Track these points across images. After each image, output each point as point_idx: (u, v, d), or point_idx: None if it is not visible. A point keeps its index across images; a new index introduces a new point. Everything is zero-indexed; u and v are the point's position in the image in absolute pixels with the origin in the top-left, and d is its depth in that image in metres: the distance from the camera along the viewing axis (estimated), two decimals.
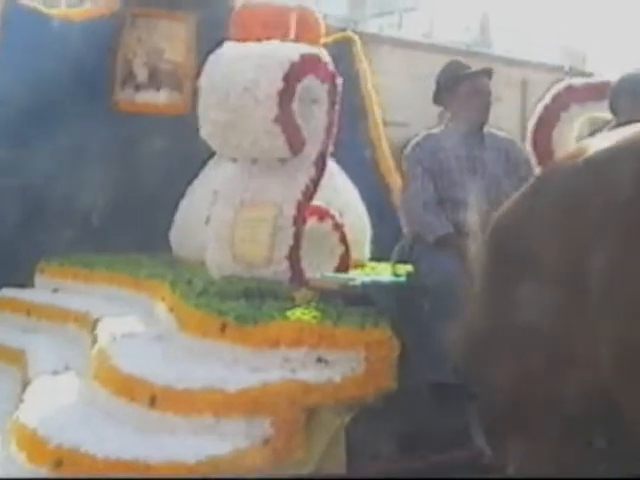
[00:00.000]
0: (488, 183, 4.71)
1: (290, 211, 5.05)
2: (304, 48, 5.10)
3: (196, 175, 7.16)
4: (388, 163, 7.83)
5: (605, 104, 5.94)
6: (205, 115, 5.02)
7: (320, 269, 5.20)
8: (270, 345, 4.31)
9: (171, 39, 8.04)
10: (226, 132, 4.99)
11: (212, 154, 6.34)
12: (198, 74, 6.33)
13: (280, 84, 4.86)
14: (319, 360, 4.25)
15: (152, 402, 4.21)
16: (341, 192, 6.51)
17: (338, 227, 5.34)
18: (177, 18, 7.96)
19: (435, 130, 4.97)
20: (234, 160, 5.22)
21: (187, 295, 4.99)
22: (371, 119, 7.92)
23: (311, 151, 5.13)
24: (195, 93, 6.78)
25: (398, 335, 4.32)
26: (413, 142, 4.90)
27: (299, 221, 5.06)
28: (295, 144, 4.98)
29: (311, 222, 5.16)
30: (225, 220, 5.14)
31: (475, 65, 5.05)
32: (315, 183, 5.17)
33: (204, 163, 6.99)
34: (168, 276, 5.65)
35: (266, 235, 5.02)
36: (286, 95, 4.89)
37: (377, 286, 4.46)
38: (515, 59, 22.85)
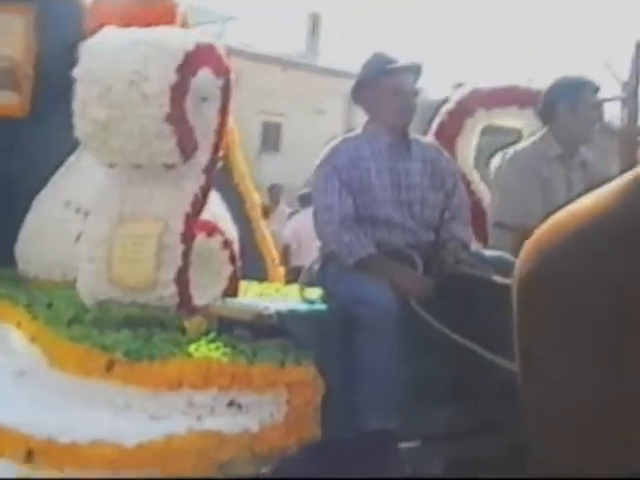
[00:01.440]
0: (412, 198, 4.19)
1: (177, 226, 4.35)
2: (198, 36, 4.40)
3: (40, 185, 6.29)
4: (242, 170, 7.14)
5: (512, 110, 5.53)
6: (82, 113, 4.25)
7: (206, 292, 4.51)
8: (170, 387, 3.62)
9: (7, 34, 7.08)
10: (107, 132, 4.24)
11: (61, 160, 5.60)
12: (39, 73, 5.56)
13: (173, 77, 4.16)
14: (231, 404, 3.59)
15: (28, 458, 3.44)
16: (210, 204, 5.81)
17: (228, 244, 4.66)
18: (14, 10, 7.01)
19: (353, 134, 4.37)
20: (111, 166, 4.45)
21: (54, 323, 4.23)
22: None
23: (201, 156, 4.44)
24: (35, 94, 6.05)
25: (322, 374, 3.69)
26: (330, 146, 4.28)
27: (188, 238, 4.36)
28: (187, 148, 4.29)
29: (198, 238, 4.45)
30: (100, 237, 4.38)
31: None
32: (205, 193, 4.50)
33: (50, 171, 6.15)
34: (20, 297, 4.83)
35: (150, 254, 4.30)
36: (179, 90, 4.19)
37: (296, 316, 3.81)
38: (341, 70, 22.64)
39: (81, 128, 4.31)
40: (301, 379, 3.64)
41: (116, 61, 4.22)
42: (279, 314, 3.78)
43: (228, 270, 4.69)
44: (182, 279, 4.35)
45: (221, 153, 4.61)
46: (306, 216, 9.71)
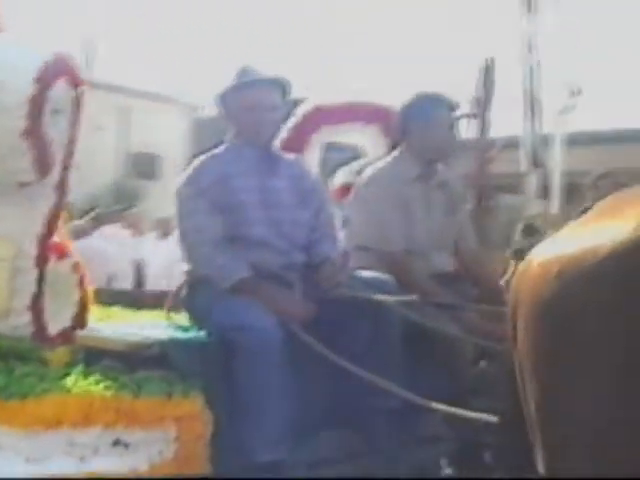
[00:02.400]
0: (282, 217, 4.06)
1: (31, 249, 4.01)
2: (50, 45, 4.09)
3: None
4: None
5: (357, 126, 5.49)
6: None
7: (55, 319, 4.19)
8: (47, 426, 3.29)
9: None
10: None
11: None
12: None
13: (31, 88, 3.83)
14: (117, 443, 3.33)
15: None
16: None
17: (78, 268, 4.34)
18: None
19: (218, 150, 4.19)
20: None
21: None
22: None
23: (53, 173, 4.11)
24: None
25: (210, 406, 3.49)
26: (194, 165, 4.09)
27: (42, 261, 4.03)
28: (44, 165, 3.96)
29: (49, 262, 4.12)
30: None
31: None
32: (58, 213, 4.17)
33: None
34: None
35: (3, 280, 3.93)
36: (37, 103, 3.86)
37: (178, 345, 3.59)
38: (117, 86, 22.17)
39: None
40: (190, 412, 3.44)
41: None
42: (161, 343, 3.55)
43: (77, 295, 4.37)
44: (37, 306, 4.02)
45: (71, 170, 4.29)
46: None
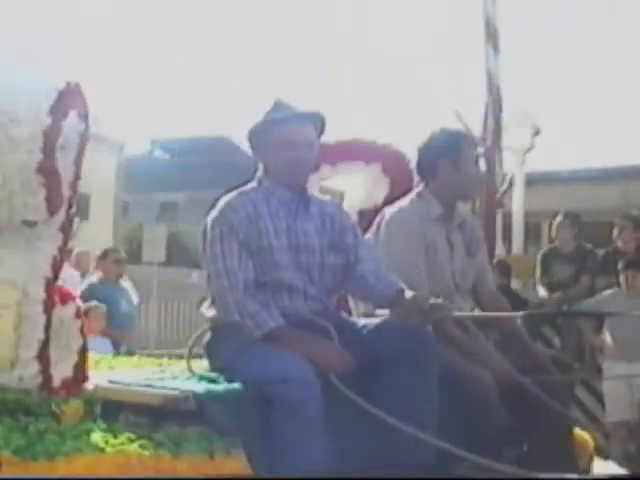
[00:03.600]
0: (312, 262, 3.85)
1: (38, 293, 3.71)
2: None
3: None
4: None
5: (357, 165, 5.28)
6: None
7: (56, 369, 3.88)
8: None
9: None
10: None
11: None
12: None
13: (46, 120, 3.55)
14: None
15: None
16: None
17: (80, 314, 4.03)
18: None
19: (247, 188, 3.95)
20: None
21: None
22: None
23: (60, 212, 3.83)
24: None
25: (251, 464, 3.23)
26: (224, 202, 3.84)
27: (49, 307, 3.73)
28: (55, 203, 3.69)
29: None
30: None
31: None
32: (62, 254, 3.88)
33: None
34: None
35: (8, 328, 3.63)
36: (51, 136, 3.58)
37: (215, 398, 3.30)
38: None
39: None
40: (233, 472, 3.15)
41: None
42: (197, 396, 3.27)
43: (79, 343, 4.07)
44: (44, 356, 3.72)
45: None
46: None
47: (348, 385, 3.48)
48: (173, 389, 3.37)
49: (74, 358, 4.00)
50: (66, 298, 3.98)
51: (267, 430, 3.33)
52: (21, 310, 3.66)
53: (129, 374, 4.22)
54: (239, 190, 3.92)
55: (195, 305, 16.93)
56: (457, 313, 3.95)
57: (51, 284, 3.79)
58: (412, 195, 4.49)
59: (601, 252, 8.85)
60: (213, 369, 3.72)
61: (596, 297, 7.77)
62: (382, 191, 5.23)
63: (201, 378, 3.60)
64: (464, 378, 3.85)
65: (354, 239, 4.00)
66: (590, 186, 9.87)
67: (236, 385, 3.42)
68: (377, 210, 5.20)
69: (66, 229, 3.91)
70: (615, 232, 8.61)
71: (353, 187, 5.07)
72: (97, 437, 3.17)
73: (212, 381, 3.52)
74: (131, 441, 3.13)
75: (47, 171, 3.60)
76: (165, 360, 5.59)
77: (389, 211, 4.42)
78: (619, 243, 8.42)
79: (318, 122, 3.98)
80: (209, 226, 3.79)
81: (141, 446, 3.11)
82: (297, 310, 3.74)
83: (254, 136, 3.94)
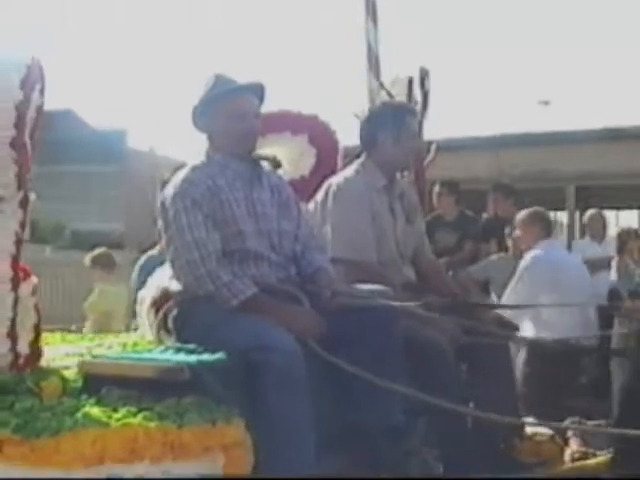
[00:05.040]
0: (270, 228, 3.91)
1: (6, 271, 3.65)
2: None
3: None
4: None
5: (285, 136, 5.36)
6: None
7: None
8: (88, 463, 3.01)
9: None
10: None
11: None
12: None
13: (18, 94, 3.49)
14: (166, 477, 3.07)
15: None
16: None
17: (36, 291, 3.99)
18: None
19: (200, 163, 3.98)
20: None
21: None
22: None
23: None
24: None
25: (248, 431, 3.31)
26: (181, 178, 3.86)
27: (16, 284, 3.69)
28: (24, 178, 3.63)
29: None
30: None
31: None
32: (23, 230, 3.82)
33: None
34: None
35: None
36: (23, 110, 3.53)
37: (207, 368, 3.35)
38: None
39: None
40: (235, 439, 3.22)
41: None
42: (191, 367, 3.31)
43: (33, 319, 4.02)
44: (13, 334, 3.67)
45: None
46: None
47: (331, 350, 3.59)
48: (165, 361, 3.39)
49: (31, 335, 3.96)
50: (24, 275, 3.93)
51: (256, 397, 3.40)
52: None
53: (89, 348, 4.22)
54: (191, 166, 3.95)
55: (50, 281, 16.64)
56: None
57: (16, 261, 3.73)
58: (356, 166, 4.61)
59: (482, 219, 9.18)
60: (184, 341, 3.74)
61: (483, 262, 8.07)
62: (309, 161, 5.32)
63: (179, 350, 3.62)
64: (422, 341, 4.01)
65: (298, 212, 4.11)
66: (464, 154, 10.18)
67: (222, 355, 3.46)
68: (304, 180, 5.31)
69: (25, 205, 3.85)
70: (490, 202, 8.95)
71: (280, 158, 5.14)
72: (96, 411, 3.16)
73: (193, 352, 3.54)
74: (133, 414, 3.14)
75: (19, 146, 3.54)
76: (91, 335, 5.57)
77: (335, 181, 4.52)
78: (499, 212, 8.75)
79: (259, 93, 4.05)
80: (169, 202, 3.81)
81: (145, 418, 3.12)
82: (264, 277, 3.82)
83: (200, 110, 3.98)
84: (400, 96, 5.97)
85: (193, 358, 3.40)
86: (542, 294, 6.47)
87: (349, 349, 3.66)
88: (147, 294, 4.65)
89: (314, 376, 3.50)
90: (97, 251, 9.32)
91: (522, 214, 6.99)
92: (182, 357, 3.44)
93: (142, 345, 4.22)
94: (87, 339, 5.10)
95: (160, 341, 3.83)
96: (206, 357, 3.43)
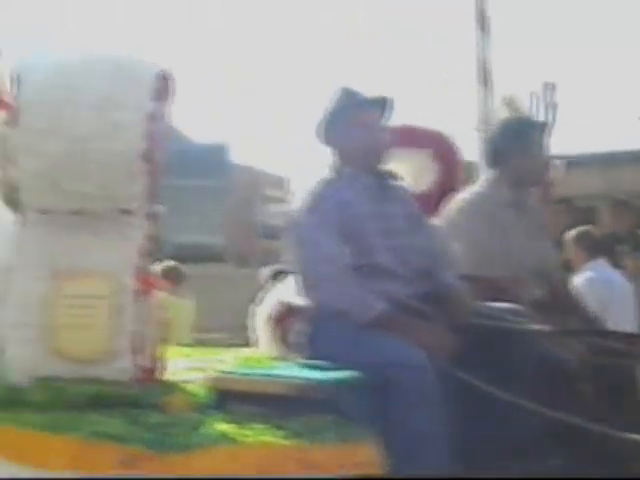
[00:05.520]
0: (399, 244, 3.82)
1: (130, 283, 3.64)
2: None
3: None
4: None
5: (411, 151, 5.25)
6: (27, 147, 3.42)
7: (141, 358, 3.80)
8: None
9: None
10: (59, 171, 3.44)
11: None
12: None
13: (150, 105, 3.48)
14: None
15: None
16: None
17: (161, 303, 3.98)
18: None
19: (329, 177, 3.92)
20: (44, 212, 3.64)
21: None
22: None
23: None
24: None
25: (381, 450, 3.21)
26: (312, 193, 3.80)
27: (140, 296, 3.66)
28: (155, 191, 3.62)
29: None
30: (33, 298, 3.55)
31: None
32: (150, 242, 3.81)
33: None
34: None
35: (103, 319, 3.56)
36: (154, 121, 3.51)
37: (343, 386, 3.27)
38: None
39: (24, 166, 3.46)
40: (368, 458, 3.12)
41: (75, 84, 3.44)
42: (323, 385, 3.24)
43: (157, 332, 4.00)
44: (137, 347, 3.65)
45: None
46: None
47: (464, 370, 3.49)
48: (297, 378, 3.32)
49: (154, 348, 3.94)
50: (150, 287, 3.91)
51: (389, 414, 3.32)
52: (115, 301, 3.58)
53: (209, 362, 4.18)
54: (321, 180, 3.90)
55: None
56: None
57: (142, 274, 3.71)
58: (484, 181, 4.50)
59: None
60: (313, 357, 3.67)
61: None
62: (430, 177, 5.22)
63: (308, 366, 3.55)
64: (553, 360, 3.88)
65: (427, 226, 4.03)
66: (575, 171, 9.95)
67: (354, 372, 3.38)
68: (425, 196, 5.20)
69: (153, 218, 3.84)
70: (605, 217, 8.69)
71: (403, 172, 5.05)
72: (228, 427, 3.10)
73: (323, 369, 3.47)
74: (266, 431, 3.08)
75: (150, 158, 3.52)
76: (210, 349, 5.54)
77: (463, 197, 4.42)
78: (614, 228, 8.50)
79: (387, 106, 3.99)
80: (298, 216, 3.77)
81: (279, 435, 3.05)
82: (394, 293, 3.73)
83: (327, 124, 3.93)
84: (518, 111, 5.83)
85: (324, 375, 3.33)
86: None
87: (482, 367, 3.55)
88: (264, 309, 4.61)
89: (446, 394, 3.40)
90: (167, 264, 9.32)
91: (569, 235, 6.78)
92: (313, 374, 3.37)
93: (264, 360, 4.16)
94: (203, 353, 5.08)
95: (281, 357, 3.76)
96: (338, 374, 3.35)
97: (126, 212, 3.66)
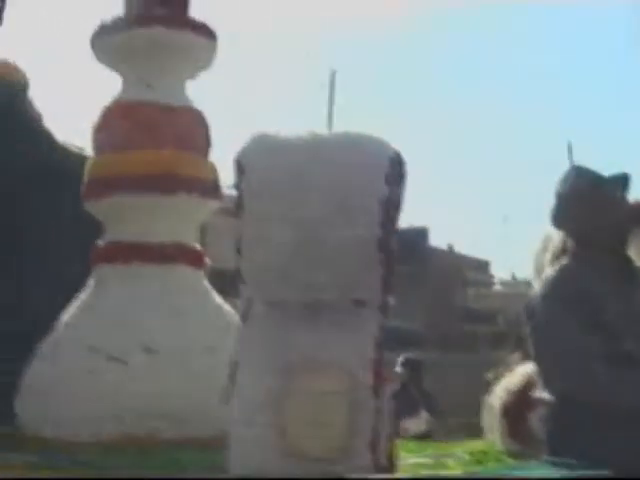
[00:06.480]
0: None
1: (367, 377, 3.44)
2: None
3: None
4: None
5: None
6: (259, 235, 3.32)
7: None
8: None
9: None
10: (292, 260, 3.32)
11: None
12: None
13: (384, 190, 3.32)
14: None
15: None
16: None
17: (396, 394, 3.78)
18: None
19: (566, 261, 3.64)
20: (271, 304, 3.53)
21: None
22: None
23: None
24: None
25: None
26: (552, 278, 3.53)
27: (378, 391, 3.46)
28: (390, 281, 3.49)
29: None
30: (263, 395, 3.41)
31: None
32: (384, 333, 3.61)
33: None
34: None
35: (341, 416, 3.37)
36: (389, 207, 3.35)
37: None
38: None
39: (258, 257, 3.35)
40: None
41: (302, 169, 3.33)
42: None
43: (390, 427, 3.80)
44: (376, 444, 3.44)
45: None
46: None
47: None
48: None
49: (388, 444, 3.74)
50: (384, 381, 3.73)
51: None
52: (353, 397, 3.40)
53: (437, 457, 3.96)
54: (560, 267, 3.61)
55: None
56: None
57: (378, 368, 3.53)
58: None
59: None
60: (559, 453, 3.36)
61: None
62: None
63: (557, 465, 3.25)
64: None
65: None
66: None
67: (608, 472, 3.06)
68: None
69: (385, 310, 3.67)
70: None
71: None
72: None
73: (575, 467, 3.16)
74: None
75: (385, 247, 3.37)
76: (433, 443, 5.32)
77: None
78: None
79: (625, 183, 3.71)
80: (538, 304, 3.53)
81: None
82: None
83: (563, 207, 3.65)
84: None
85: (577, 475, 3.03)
86: None
87: None
88: (494, 400, 4.38)
89: None
90: (406, 355, 9.21)
91: None
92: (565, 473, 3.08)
93: (499, 457, 3.89)
94: (428, 447, 4.87)
95: (511, 451, 3.50)
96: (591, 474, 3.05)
97: (360, 303, 3.49)
